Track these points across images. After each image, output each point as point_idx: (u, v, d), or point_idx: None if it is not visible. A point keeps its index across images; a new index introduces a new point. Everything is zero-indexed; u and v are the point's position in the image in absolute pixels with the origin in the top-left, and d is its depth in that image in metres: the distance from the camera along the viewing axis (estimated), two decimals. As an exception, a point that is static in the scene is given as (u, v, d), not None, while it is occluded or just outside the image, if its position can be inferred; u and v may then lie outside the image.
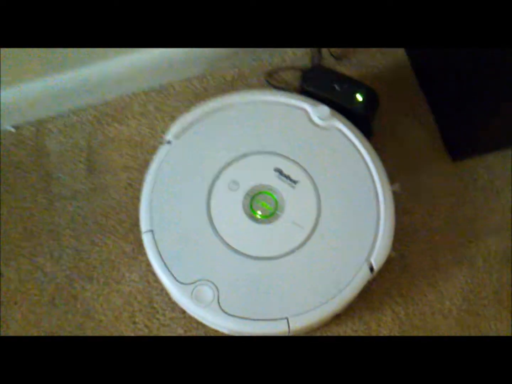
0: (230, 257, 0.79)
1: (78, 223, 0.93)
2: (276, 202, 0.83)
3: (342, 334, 0.85)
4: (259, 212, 0.82)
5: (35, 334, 0.85)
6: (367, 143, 0.86)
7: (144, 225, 0.81)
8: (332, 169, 0.85)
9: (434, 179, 0.96)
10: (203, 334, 0.85)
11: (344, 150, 0.86)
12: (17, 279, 0.89)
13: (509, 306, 0.88)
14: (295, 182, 0.83)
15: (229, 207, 0.82)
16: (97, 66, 0.96)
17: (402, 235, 0.91)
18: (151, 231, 0.81)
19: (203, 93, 1.03)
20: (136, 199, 0.89)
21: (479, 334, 0.85)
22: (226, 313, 0.76)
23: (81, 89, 0.98)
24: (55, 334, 0.85)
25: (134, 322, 0.86)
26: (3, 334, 0.85)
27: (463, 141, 0.95)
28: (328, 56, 1.04)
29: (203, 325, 0.85)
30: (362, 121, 0.90)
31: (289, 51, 1.06)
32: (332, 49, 1.04)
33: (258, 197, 0.83)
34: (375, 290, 0.88)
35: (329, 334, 0.85)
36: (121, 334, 0.85)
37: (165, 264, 0.79)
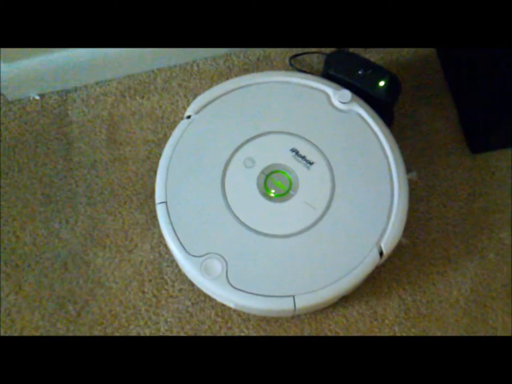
0: (241, 232, 0.80)
1: (95, 192, 0.94)
2: (291, 181, 0.83)
3: (348, 316, 0.85)
4: (272, 191, 0.82)
5: (47, 297, 0.87)
6: (386, 129, 0.86)
7: (158, 196, 0.82)
8: (348, 153, 0.85)
9: (452, 170, 0.95)
10: (210, 308, 0.86)
11: (362, 135, 0.86)
12: (32, 243, 0.91)
13: (517, 299, 0.88)
14: (310, 163, 0.84)
15: (243, 183, 0.83)
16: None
17: (415, 223, 0.91)
18: (165, 202, 0.82)
19: (227, 72, 1.04)
20: (153, 172, 0.91)
21: (485, 326, 0.85)
22: (233, 286, 0.77)
23: (106, 61, 0.99)
24: (66, 298, 0.87)
25: (143, 292, 0.87)
26: (16, 296, 0.87)
27: (483, 134, 0.94)
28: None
29: (211, 299, 0.86)
30: (383, 107, 0.90)
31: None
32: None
33: (273, 176, 0.83)
34: (384, 276, 0.88)
35: (334, 315, 0.85)
36: (130, 302, 0.86)
37: (176, 235, 0.80)
